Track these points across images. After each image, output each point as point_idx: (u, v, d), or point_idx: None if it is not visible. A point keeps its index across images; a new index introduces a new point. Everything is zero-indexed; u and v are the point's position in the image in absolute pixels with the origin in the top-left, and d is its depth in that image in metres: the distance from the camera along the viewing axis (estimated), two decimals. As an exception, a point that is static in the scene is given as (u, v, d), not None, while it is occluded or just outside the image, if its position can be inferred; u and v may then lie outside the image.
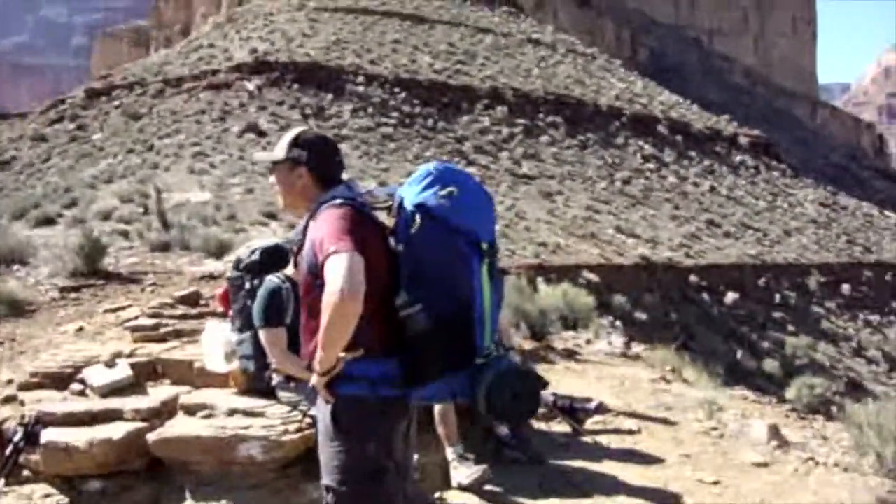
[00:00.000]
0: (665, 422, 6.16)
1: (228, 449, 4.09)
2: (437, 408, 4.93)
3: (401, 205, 2.99)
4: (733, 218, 53.96)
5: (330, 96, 55.98)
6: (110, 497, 4.15)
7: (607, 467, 5.11)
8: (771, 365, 33.35)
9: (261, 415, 4.27)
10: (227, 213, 24.63)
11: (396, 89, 58.90)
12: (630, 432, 5.86)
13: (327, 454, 2.97)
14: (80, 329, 6.22)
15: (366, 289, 2.77)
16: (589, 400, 6.23)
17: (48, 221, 22.83)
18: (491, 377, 2.89)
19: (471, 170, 49.33)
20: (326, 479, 2.98)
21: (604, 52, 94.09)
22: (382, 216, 3.09)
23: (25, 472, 4.31)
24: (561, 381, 7.35)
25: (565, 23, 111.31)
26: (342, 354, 2.84)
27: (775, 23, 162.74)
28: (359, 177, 40.35)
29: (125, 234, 15.93)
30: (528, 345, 8.57)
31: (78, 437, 4.18)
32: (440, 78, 62.95)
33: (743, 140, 74.47)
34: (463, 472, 4.75)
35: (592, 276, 32.30)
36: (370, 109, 55.27)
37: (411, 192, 2.99)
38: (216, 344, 4.76)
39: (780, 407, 8.08)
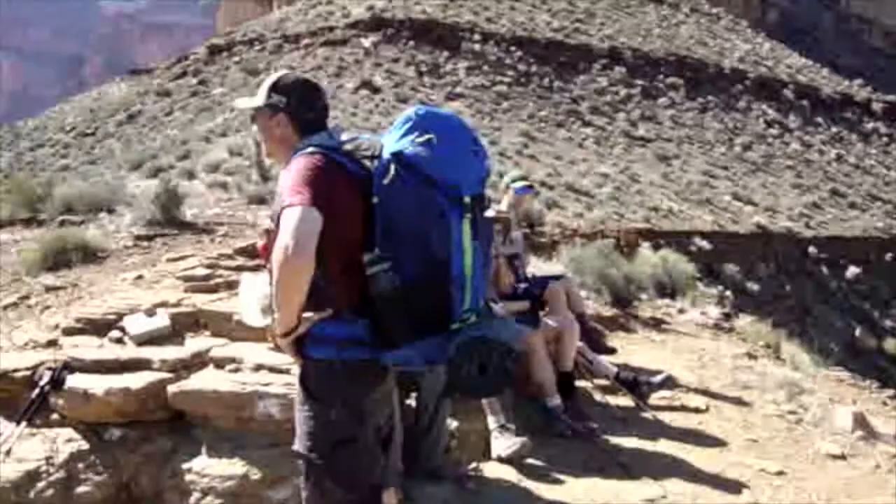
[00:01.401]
0: (738, 402, 5.70)
1: (247, 405, 3.93)
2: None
3: (380, 154, 2.72)
4: (861, 188, 51.16)
5: (445, 54, 55.63)
6: (129, 446, 4.05)
7: (663, 447, 4.73)
8: (892, 345, 31.68)
9: (286, 372, 4.09)
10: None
11: (513, 48, 58.08)
12: (697, 410, 5.43)
13: (298, 419, 2.79)
14: (140, 277, 6.17)
15: (333, 245, 2.56)
16: (657, 373, 5.83)
17: (160, 172, 23.46)
18: (454, 347, 2.60)
19: (586, 131, 48.55)
20: (296, 445, 2.81)
21: (730, 13, 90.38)
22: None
23: (55, 416, 4.24)
24: (636, 351, 6.95)
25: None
26: (308, 314, 2.63)
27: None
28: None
29: (224, 186, 16.08)
30: (608, 312, 8.15)
31: (99, 384, 4.09)
32: (558, 36, 61.65)
33: (876, 106, 70.34)
34: (502, 444, 4.46)
35: (704, 244, 31.22)
36: (485, 68, 54.65)
37: (390, 140, 2.72)
38: (253, 297, 4.58)
39: (881, 393, 7.43)
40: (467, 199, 2.64)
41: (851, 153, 59.41)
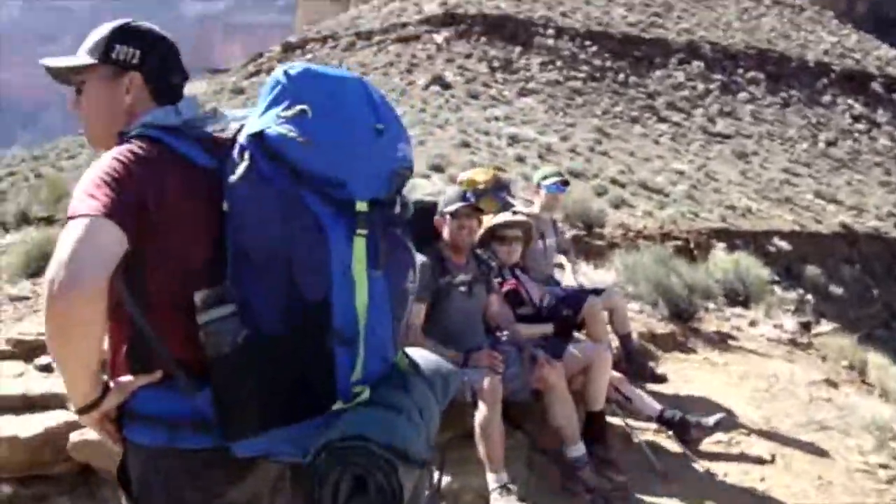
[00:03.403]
0: (813, 450, 4.62)
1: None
2: (477, 418, 3.71)
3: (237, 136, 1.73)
4: (955, 187, 48.42)
5: (518, 49, 54.96)
6: (18, 508, 3.22)
7: (712, 516, 3.72)
8: None
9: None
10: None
11: (587, 42, 56.99)
12: (760, 461, 4.37)
13: None
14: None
15: (160, 275, 1.67)
16: (714, 410, 4.80)
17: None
18: (318, 448, 1.57)
19: (662, 127, 47.10)
20: None
21: (815, 4, 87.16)
22: None
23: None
24: (692, 378, 5.90)
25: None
26: (125, 379, 1.70)
27: None
28: (540, 132, 38.97)
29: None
30: (663, 328, 7.08)
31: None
32: (633, 31, 60.24)
33: (973, 101, 66.76)
34: (501, 510, 3.52)
35: (784, 245, 29.63)
36: (559, 63, 53.68)
37: (254, 116, 1.72)
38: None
39: None
40: (362, 206, 1.65)
41: (945, 150, 56.42)
